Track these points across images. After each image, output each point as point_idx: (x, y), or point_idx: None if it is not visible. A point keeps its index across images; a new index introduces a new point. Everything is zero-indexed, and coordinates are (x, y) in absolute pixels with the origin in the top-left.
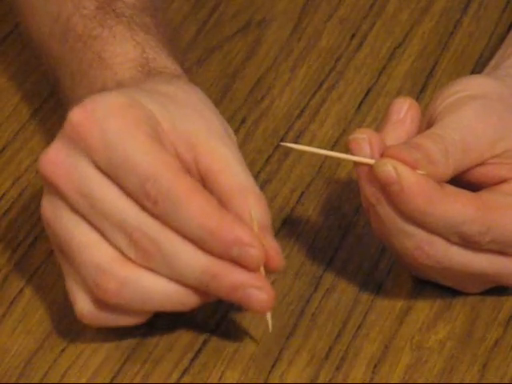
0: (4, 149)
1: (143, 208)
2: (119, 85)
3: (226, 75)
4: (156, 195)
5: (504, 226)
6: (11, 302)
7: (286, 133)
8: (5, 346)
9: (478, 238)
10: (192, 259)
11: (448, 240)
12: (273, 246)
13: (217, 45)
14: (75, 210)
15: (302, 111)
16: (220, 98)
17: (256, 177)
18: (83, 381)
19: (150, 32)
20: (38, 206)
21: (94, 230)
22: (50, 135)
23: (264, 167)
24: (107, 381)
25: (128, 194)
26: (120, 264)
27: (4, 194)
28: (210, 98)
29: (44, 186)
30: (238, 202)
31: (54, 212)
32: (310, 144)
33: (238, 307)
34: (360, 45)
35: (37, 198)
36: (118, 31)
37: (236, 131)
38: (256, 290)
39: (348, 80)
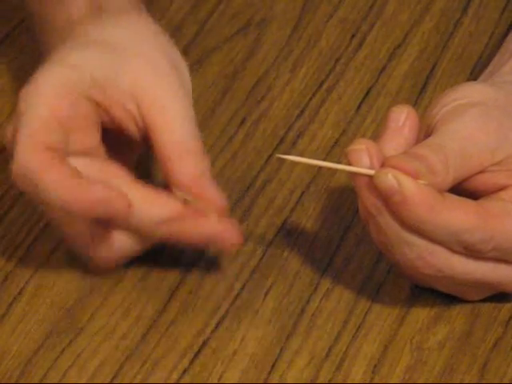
0: (4, 149)
1: None
2: (71, 27)
3: (226, 75)
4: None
5: (506, 234)
6: (11, 302)
7: (286, 133)
8: (5, 347)
9: (480, 246)
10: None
11: (450, 249)
12: (212, 190)
13: (217, 45)
14: None
15: (302, 111)
16: (220, 98)
17: (256, 177)
18: (83, 381)
19: None
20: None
21: None
22: None
23: (264, 167)
24: (107, 381)
25: None
26: None
27: (4, 194)
28: (210, 98)
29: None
30: (175, 164)
31: None
32: (310, 144)
33: (238, 305)
34: (360, 45)
35: None
36: None
37: (236, 131)
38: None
39: (348, 80)
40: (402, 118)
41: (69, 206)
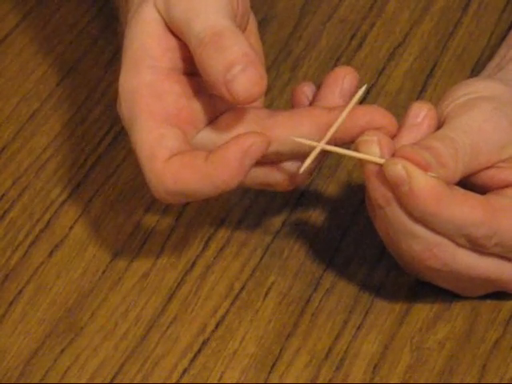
0: (4, 149)
1: None
2: None
3: None
4: None
5: (509, 230)
6: (11, 303)
7: None
8: (5, 347)
9: (483, 240)
10: None
11: (455, 242)
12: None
13: None
14: None
15: None
16: None
17: None
18: (83, 381)
19: None
20: (38, 205)
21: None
22: (49, 135)
23: None
24: (107, 381)
25: None
26: None
27: (4, 194)
28: None
29: None
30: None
31: None
32: None
33: (238, 305)
34: (360, 45)
35: (37, 198)
36: None
37: None
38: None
39: None
40: (422, 115)
41: (227, 184)
